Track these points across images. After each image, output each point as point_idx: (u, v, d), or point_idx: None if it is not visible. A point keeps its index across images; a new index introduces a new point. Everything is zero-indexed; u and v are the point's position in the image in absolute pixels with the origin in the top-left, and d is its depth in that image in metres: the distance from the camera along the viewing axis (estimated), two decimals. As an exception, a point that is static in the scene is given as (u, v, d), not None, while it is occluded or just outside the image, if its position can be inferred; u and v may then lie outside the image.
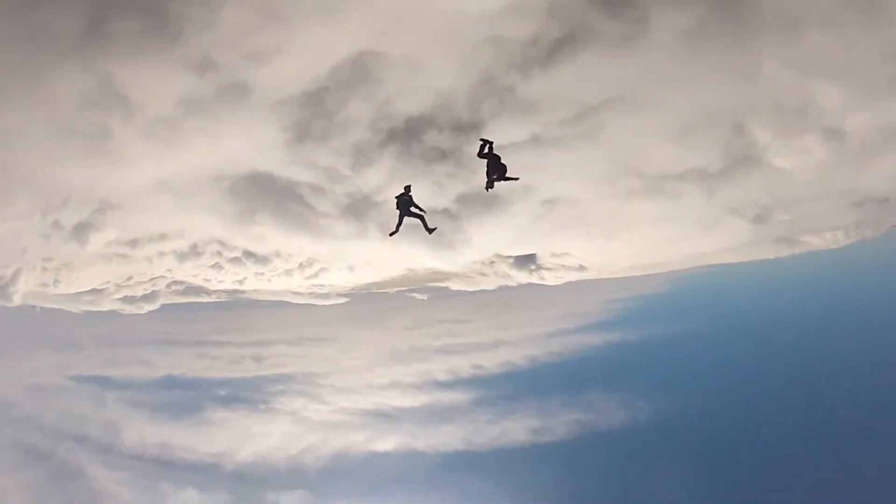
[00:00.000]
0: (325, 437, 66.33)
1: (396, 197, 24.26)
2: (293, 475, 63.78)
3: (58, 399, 70.03)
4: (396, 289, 62.55)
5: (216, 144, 36.76)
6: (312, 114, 36.44)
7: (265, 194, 41.47)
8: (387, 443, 65.50)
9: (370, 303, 67.97)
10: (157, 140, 35.94)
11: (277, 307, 67.07)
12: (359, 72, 34.55)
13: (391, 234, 24.13)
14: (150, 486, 63.44)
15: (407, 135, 37.46)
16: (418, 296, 64.49)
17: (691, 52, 32.03)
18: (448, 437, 64.84)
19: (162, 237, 50.21)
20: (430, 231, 24.05)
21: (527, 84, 34.43)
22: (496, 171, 22.71)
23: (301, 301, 65.01)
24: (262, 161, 39.96)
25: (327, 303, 65.52)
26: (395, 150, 38.07)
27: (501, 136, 34.94)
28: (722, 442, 59.60)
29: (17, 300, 55.94)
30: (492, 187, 22.88)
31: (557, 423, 63.32)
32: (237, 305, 65.53)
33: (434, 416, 67.20)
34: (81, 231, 46.88)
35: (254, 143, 37.56)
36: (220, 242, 51.71)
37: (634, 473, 58.30)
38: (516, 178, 23.13)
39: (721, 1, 30.83)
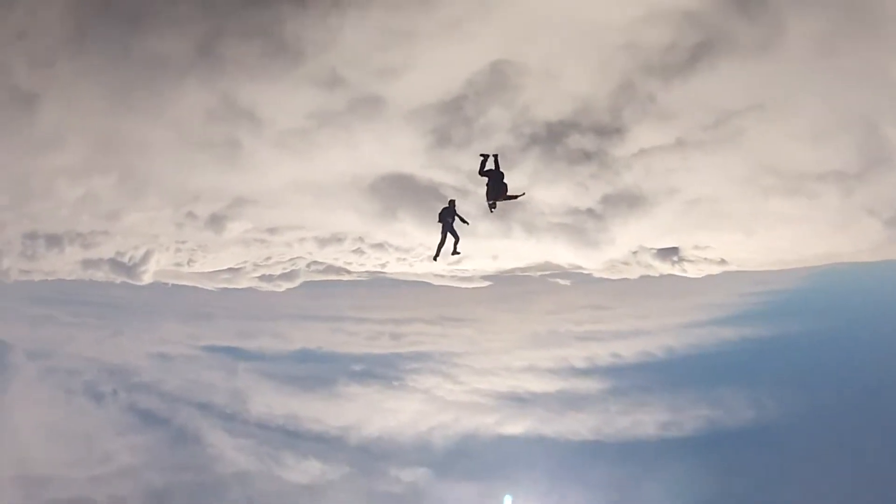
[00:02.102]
0: (455, 416, 67.85)
1: (442, 210, 23.95)
2: (418, 453, 65.36)
3: (185, 368, 73.58)
4: (539, 273, 63.39)
5: (352, 152, 38.66)
6: (451, 121, 37.53)
7: (406, 194, 42.98)
8: (516, 427, 66.77)
9: (512, 285, 68.56)
10: (289, 149, 38.15)
11: (418, 286, 68.92)
12: (496, 80, 35.49)
13: (434, 258, 24.51)
14: (271, 454, 65.91)
15: (549, 138, 38.34)
16: (561, 281, 65.32)
17: (826, 57, 32.54)
18: (578, 426, 65.63)
19: (301, 227, 52.85)
20: (455, 253, 24.11)
21: (667, 90, 35.30)
22: (496, 192, 22.39)
23: (442, 283, 67.28)
24: (403, 164, 41.52)
25: (469, 285, 67.47)
26: (537, 153, 38.84)
27: (645, 141, 38.04)
28: (849, 446, 58.45)
29: (146, 279, 59.56)
30: (494, 208, 22.86)
31: (687, 418, 63.73)
32: (378, 284, 67.55)
33: (567, 402, 67.91)
34: (216, 221, 50.31)
35: (392, 150, 39.09)
36: (360, 238, 54.40)
37: (757, 474, 58.34)
38: (521, 195, 22.66)
39: (853, 4, 31.15)
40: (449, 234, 24.02)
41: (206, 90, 34.88)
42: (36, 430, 64.91)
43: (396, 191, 42.85)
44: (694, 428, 63.37)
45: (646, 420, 64.71)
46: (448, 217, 23.77)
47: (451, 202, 23.93)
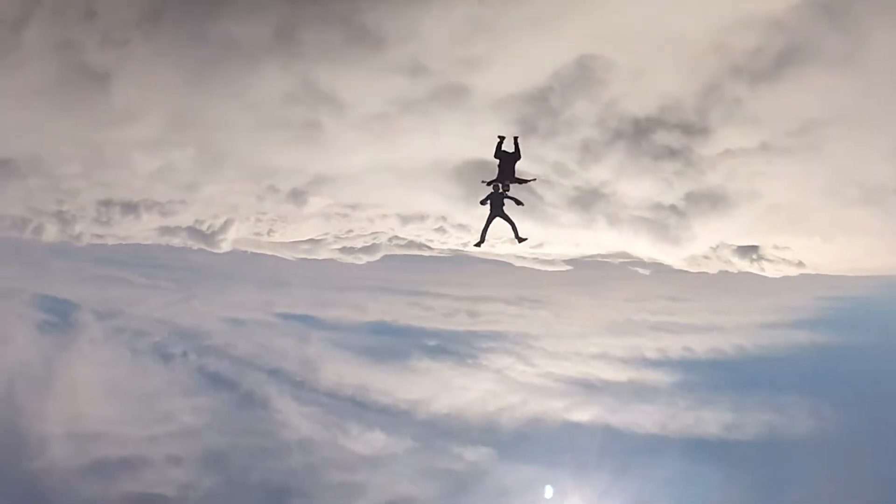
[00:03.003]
0: (525, 399, 69.12)
1: (490, 195, 23.10)
2: (484, 432, 66.77)
3: (257, 333, 76.07)
4: (620, 260, 64.15)
5: (436, 138, 39.48)
6: (537, 112, 38.00)
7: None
8: (584, 414, 67.89)
9: (592, 269, 68.65)
10: (371, 132, 38.85)
11: (499, 266, 69.44)
12: (582, 74, 36.04)
13: (477, 245, 24.20)
14: (336, 423, 68.44)
15: (635, 133, 39.13)
16: (640, 270, 65.76)
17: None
18: (644, 418, 66.62)
19: (383, 205, 54.52)
20: (520, 240, 23.56)
21: (753, 95, 35.83)
22: (503, 175, 22.37)
23: (524, 264, 67.92)
24: (487, 152, 41.79)
25: (550, 268, 68.13)
26: (622, 147, 39.66)
27: (730, 142, 39.01)
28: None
29: (224, 247, 61.80)
30: (501, 191, 22.56)
31: (749, 421, 64.12)
32: (458, 261, 68.10)
33: (635, 393, 68.81)
34: (297, 195, 51.56)
35: (476, 137, 38.69)
36: (443, 217, 55.84)
37: (812, 486, 58.45)
38: (532, 179, 22.88)
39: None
40: (503, 221, 23.30)
41: (285, 74, 35.97)
42: (97, 388, 68.54)
43: (480, 177, 43.21)
44: (755, 433, 64.01)
45: (710, 419, 65.29)
46: (497, 201, 23.08)
47: (496, 186, 23.04)
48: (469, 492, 65.15)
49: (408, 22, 33.00)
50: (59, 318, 71.61)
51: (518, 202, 23.01)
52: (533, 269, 68.37)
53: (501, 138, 22.47)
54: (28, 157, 46.30)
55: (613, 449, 63.95)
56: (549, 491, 63.48)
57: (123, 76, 35.10)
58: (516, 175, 22.57)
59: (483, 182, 22.86)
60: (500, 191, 22.88)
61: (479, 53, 34.71)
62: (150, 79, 35.78)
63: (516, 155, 22.48)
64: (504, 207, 22.97)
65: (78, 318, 71.39)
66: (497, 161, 22.54)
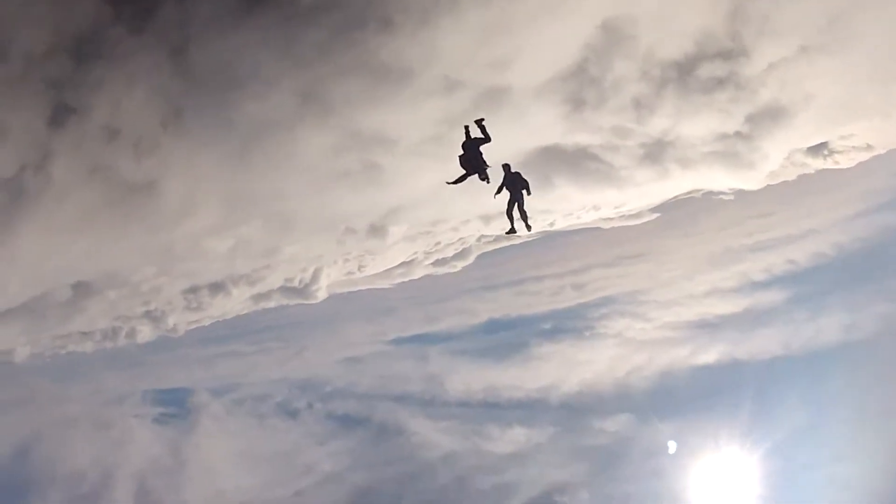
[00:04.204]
0: (650, 355, 70.74)
1: (502, 182, 22.10)
2: (618, 399, 68.54)
3: (375, 365, 77.45)
4: (702, 192, 64.35)
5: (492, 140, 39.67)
6: (580, 85, 38.73)
7: (557, 162, 44.95)
8: (709, 355, 69.11)
9: (678, 210, 69.24)
10: (428, 156, 38.81)
11: (589, 233, 70.66)
12: (611, 37, 36.49)
13: (510, 232, 23.24)
14: (474, 430, 69.80)
15: (679, 75, 39.80)
16: (724, 196, 65.33)
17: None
18: (766, 342, 67.97)
19: (462, 214, 55.53)
20: (529, 228, 22.86)
21: (777, 5, 36.61)
22: (471, 164, 21.16)
23: (612, 224, 68.90)
24: (545, 137, 43.08)
25: (638, 221, 68.69)
26: (672, 92, 40.37)
27: (771, 56, 39.84)
28: None
29: (321, 296, 63.72)
30: (482, 178, 21.19)
31: (867, 316, 64.69)
32: (549, 240, 69.23)
33: (753, 319, 69.77)
34: (377, 230, 52.59)
35: (530, 128, 40.23)
36: None
37: None
38: (488, 167, 21.14)
39: None
40: (517, 205, 22.38)
41: (325, 131, 36.36)
42: (232, 461, 70.44)
43: (546, 162, 44.61)
44: (874, 329, 64.27)
45: (828, 324, 66.11)
46: (511, 184, 22.09)
47: (506, 167, 22.05)
48: (619, 461, 66.59)
49: (425, 46, 33.18)
50: (176, 406, 73.45)
51: (527, 187, 22.20)
52: (622, 226, 69.11)
53: (466, 127, 21.38)
54: (101, 276, 47.23)
55: (745, 382, 64.27)
56: (672, 446, 64.58)
57: (167, 179, 35.71)
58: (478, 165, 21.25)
59: (447, 183, 22.10)
60: (511, 171, 22.06)
61: (504, 52, 35.13)
62: (194, 173, 36.45)
63: (484, 139, 21.23)
64: (520, 188, 22.13)
65: (195, 402, 73.14)
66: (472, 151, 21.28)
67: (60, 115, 30.79)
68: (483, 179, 21.35)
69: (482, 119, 21.29)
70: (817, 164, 58.84)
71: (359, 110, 35.60)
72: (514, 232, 23.10)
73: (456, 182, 21.86)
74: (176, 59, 31.39)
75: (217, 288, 59.14)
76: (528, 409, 70.06)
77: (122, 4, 29.38)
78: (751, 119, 43.34)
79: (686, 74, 39.90)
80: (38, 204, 32.70)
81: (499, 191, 22.24)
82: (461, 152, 21.43)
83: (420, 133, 38.68)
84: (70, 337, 59.91)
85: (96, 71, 30.23)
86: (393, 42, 32.47)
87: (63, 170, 32.37)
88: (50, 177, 32.10)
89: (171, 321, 61.20)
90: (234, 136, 34.61)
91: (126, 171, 34.09)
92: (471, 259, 69.03)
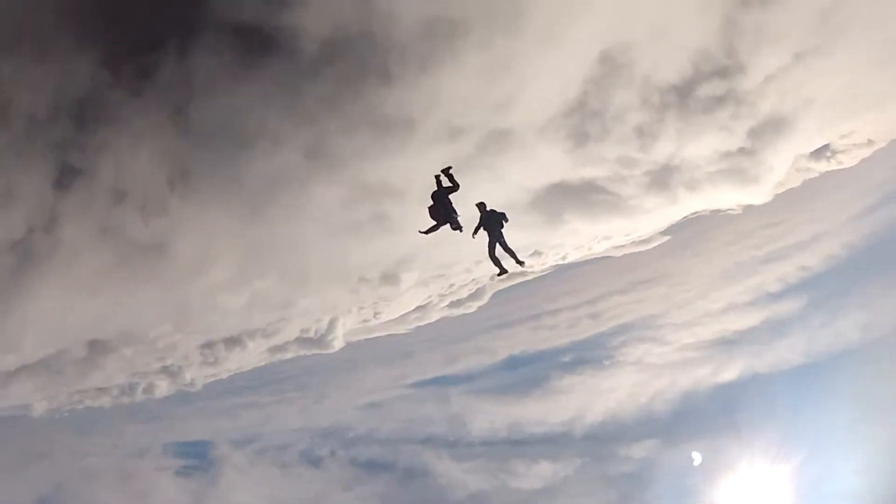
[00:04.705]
0: (671, 378, 69.69)
1: (479, 223, 22.58)
2: (643, 425, 67.66)
3: (396, 409, 75.98)
4: (710, 209, 64.39)
5: (500, 182, 39.92)
6: (581, 119, 38.86)
7: (565, 197, 44.88)
8: (730, 372, 68.07)
9: (687, 230, 68.88)
10: None
11: (602, 262, 70.34)
12: (609, 67, 36.65)
13: (500, 275, 23.52)
14: (500, 467, 68.57)
15: (679, 97, 39.86)
16: (731, 210, 65.37)
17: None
18: (787, 352, 66.68)
19: (474, 254, 53.82)
20: (521, 264, 23.17)
21: (766, 13, 36.41)
22: (440, 214, 21.69)
23: (624, 252, 68.69)
24: (552, 174, 43.12)
25: (650, 246, 68.79)
26: (673, 116, 40.46)
27: (766, 67, 39.95)
28: None
29: (337, 345, 63.51)
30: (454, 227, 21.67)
31: (884, 313, 63.85)
32: (562, 272, 69.00)
33: (771, 331, 68.77)
34: (389, 278, 52.87)
35: (536, 166, 40.52)
36: (535, 244, 57.28)
37: None
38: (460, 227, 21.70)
39: None
40: (499, 246, 22.73)
41: (332, 186, 36.52)
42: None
43: (554, 198, 44.68)
44: (893, 324, 63.29)
45: (847, 326, 65.02)
46: (489, 224, 22.47)
47: (481, 206, 22.53)
48: (649, 486, 65.85)
49: (426, 94, 33.30)
50: (198, 459, 72.17)
51: (504, 218, 22.57)
52: (633, 253, 68.92)
53: (437, 177, 21.79)
54: (117, 333, 47.69)
55: (768, 395, 64.37)
56: (697, 458, 64.24)
57: (178, 238, 35.84)
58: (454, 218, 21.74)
59: (420, 232, 22.64)
60: (486, 209, 22.43)
61: (504, 93, 35.22)
62: (205, 230, 36.51)
63: (452, 188, 21.69)
64: (500, 228, 22.50)
65: (216, 454, 71.92)
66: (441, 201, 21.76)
67: (66, 177, 31.27)
68: (455, 228, 21.86)
69: (449, 168, 21.67)
70: (821, 166, 59.15)
71: (365, 162, 35.73)
72: (505, 272, 23.28)
73: (427, 232, 22.47)
74: (178, 119, 31.55)
75: (233, 342, 59.39)
76: (553, 442, 68.99)
77: (120, 66, 29.58)
78: (753, 133, 43.47)
79: (685, 97, 40.07)
80: (48, 265, 33.05)
81: (475, 231, 22.57)
82: (430, 203, 21.92)
83: (426, 181, 36.82)
84: (87, 392, 60.38)
85: (99, 133, 30.56)
86: (393, 93, 32.68)
87: (72, 231, 32.82)
88: (59, 238, 32.58)
89: (188, 376, 61.59)
90: (243, 192, 34.85)
91: (135, 232, 34.34)
92: (485, 298, 68.98)
